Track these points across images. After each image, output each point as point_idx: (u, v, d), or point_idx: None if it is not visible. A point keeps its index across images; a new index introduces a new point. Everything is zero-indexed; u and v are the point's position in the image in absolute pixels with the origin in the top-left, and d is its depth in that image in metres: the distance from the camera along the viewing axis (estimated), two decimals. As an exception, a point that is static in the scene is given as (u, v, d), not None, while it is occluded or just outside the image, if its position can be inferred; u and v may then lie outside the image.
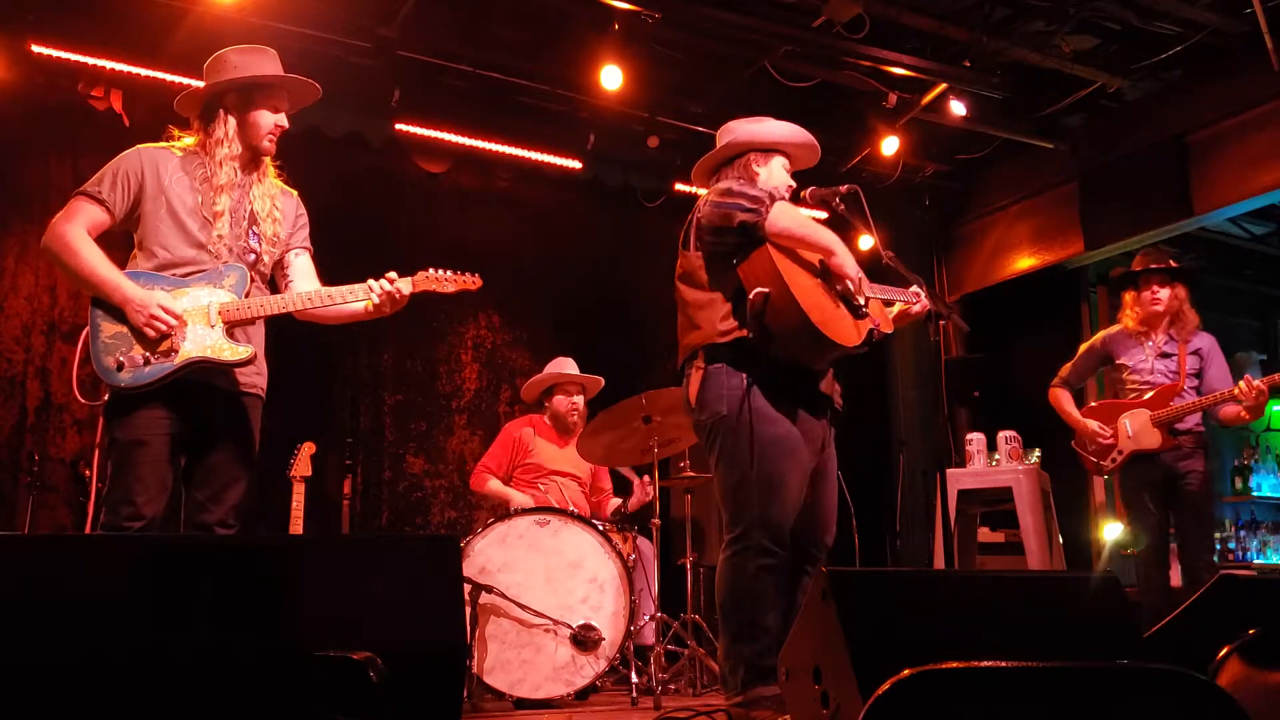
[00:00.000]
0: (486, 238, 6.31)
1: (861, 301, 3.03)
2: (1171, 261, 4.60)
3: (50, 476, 5.13)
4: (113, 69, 5.12)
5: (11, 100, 5.15)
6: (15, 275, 5.25)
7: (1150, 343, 4.59)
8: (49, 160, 5.30)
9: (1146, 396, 4.53)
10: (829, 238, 2.99)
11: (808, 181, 3.27)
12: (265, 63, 2.98)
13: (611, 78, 5.49)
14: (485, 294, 6.45)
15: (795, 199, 3.21)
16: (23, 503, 4.99)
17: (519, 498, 4.77)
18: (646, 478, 4.71)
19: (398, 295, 2.95)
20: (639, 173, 6.63)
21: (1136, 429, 4.50)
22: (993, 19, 5.69)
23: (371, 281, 2.94)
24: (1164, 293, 4.54)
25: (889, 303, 3.33)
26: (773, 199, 2.95)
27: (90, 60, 5.12)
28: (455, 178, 6.39)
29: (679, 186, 6.60)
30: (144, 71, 5.07)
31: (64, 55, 5.08)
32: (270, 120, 2.96)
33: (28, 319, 5.27)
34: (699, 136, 6.30)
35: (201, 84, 2.99)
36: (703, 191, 3.19)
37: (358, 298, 2.94)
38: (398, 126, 5.89)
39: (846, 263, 2.98)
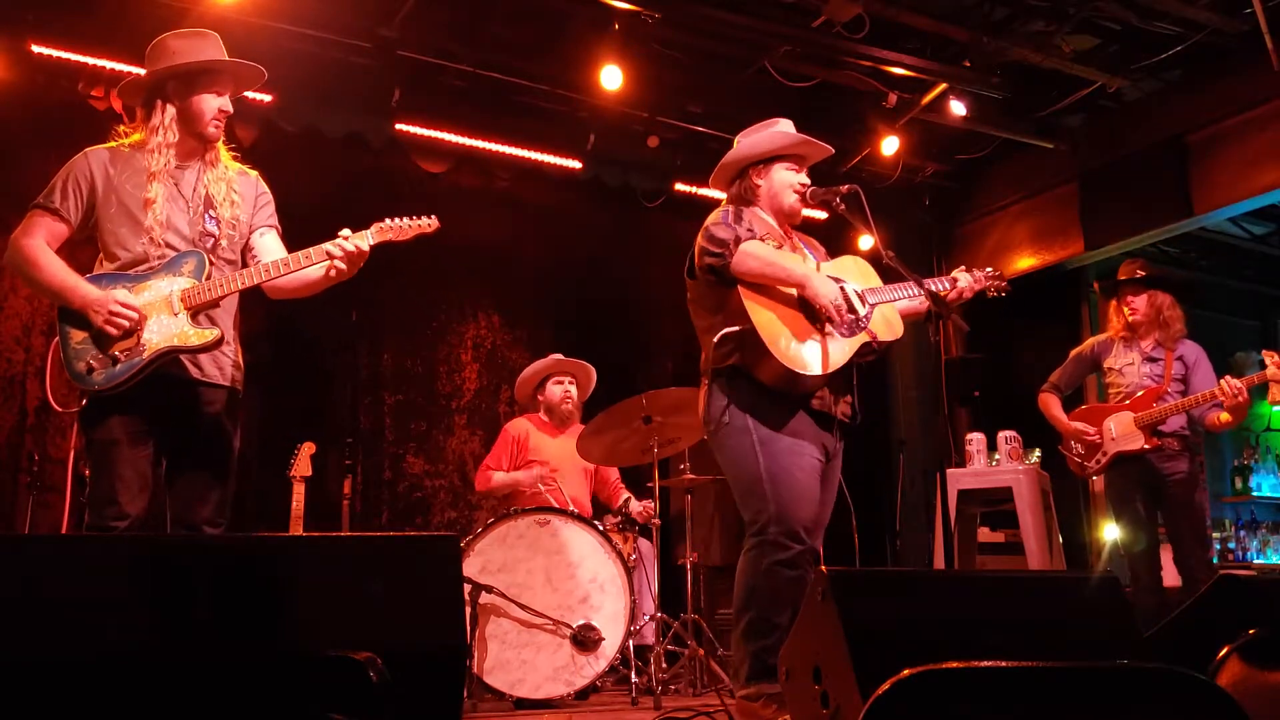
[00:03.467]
0: (486, 238, 6.31)
1: (862, 313, 3.06)
2: (1139, 271, 4.68)
3: (50, 476, 5.12)
4: (113, 69, 5.12)
5: (11, 100, 5.15)
6: (15, 276, 5.24)
7: (1138, 349, 4.66)
8: (49, 160, 5.21)
9: (1131, 400, 4.58)
10: (797, 272, 3.04)
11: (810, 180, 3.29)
12: (206, 47, 2.95)
13: (611, 78, 5.49)
14: (485, 294, 6.57)
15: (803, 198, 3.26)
16: (23, 503, 4.99)
17: (526, 476, 4.78)
18: (650, 503, 4.73)
19: (356, 251, 2.88)
20: (639, 173, 6.63)
21: (1120, 430, 4.55)
22: (993, 19, 5.69)
23: (329, 244, 2.87)
24: (1138, 301, 4.63)
25: (911, 298, 3.31)
26: (739, 241, 3.03)
27: (90, 60, 5.11)
28: (455, 178, 6.38)
29: (679, 186, 6.60)
30: (144, 71, 5.06)
31: (64, 55, 5.08)
32: (214, 105, 2.93)
33: (28, 319, 5.27)
34: (699, 136, 6.31)
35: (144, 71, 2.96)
36: (721, 195, 3.27)
37: (314, 261, 2.87)
38: (398, 126, 5.88)
39: (820, 292, 3.01)
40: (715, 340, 3.10)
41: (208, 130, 2.94)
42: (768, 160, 3.26)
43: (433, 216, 3.04)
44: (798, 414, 3.05)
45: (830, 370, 3.02)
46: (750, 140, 3.29)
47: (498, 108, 6.09)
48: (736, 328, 3.02)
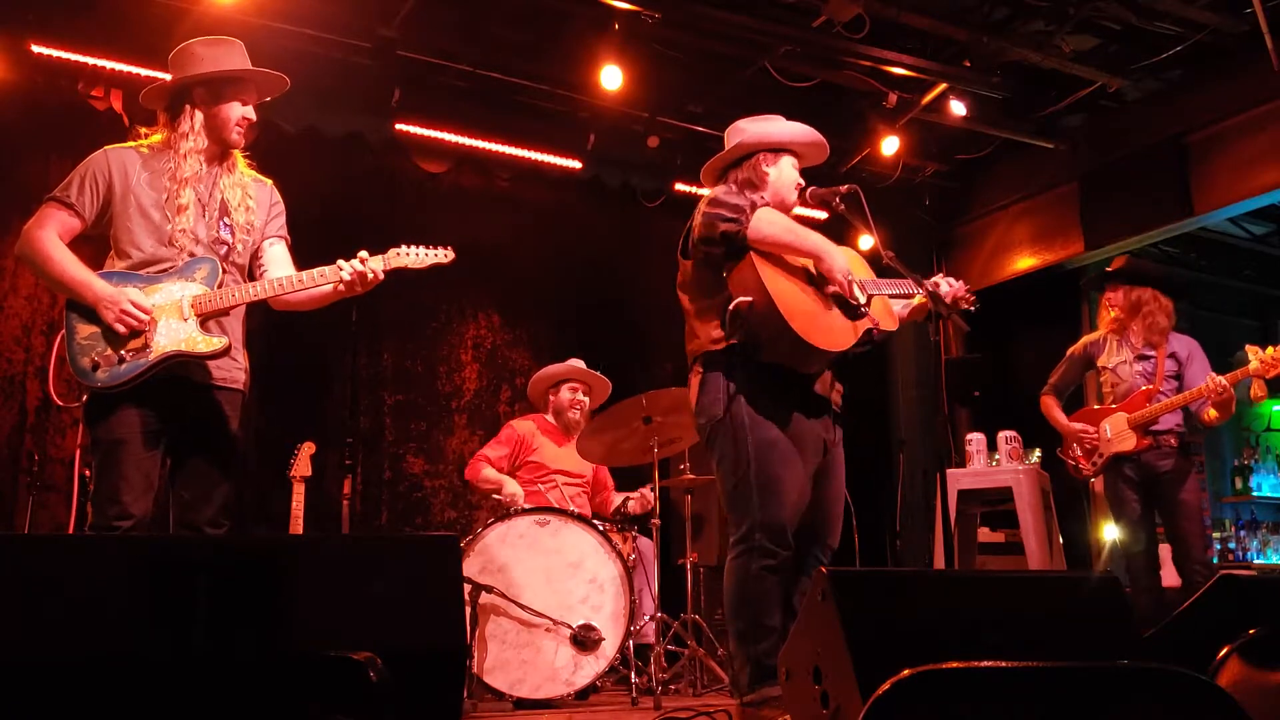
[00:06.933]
0: (486, 238, 6.30)
1: (862, 300, 3.03)
2: (1119, 260, 4.71)
3: (50, 476, 5.12)
4: (113, 69, 5.12)
5: (11, 100, 5.15)
6: (15, 275, 5.24)
7: (1129, 346, 4.65)
8: (49, 160, 5.29)
9: (1125, 400, 4.57)
10: (814, 242, 2.98)
11: (808, 181, 3.27)
12: (233, 55, 2.97)
13: (611, 78, 5.49)
14: (485, 294, 6.57)
15: (800, 197, 3.23)
16: (22, 503, 4.99)
17: (511, 484, 4.75)
18: (649, 489, 4.71)
19: (369, 275, 2.89)
20: (639, 173, 6.63)
21: (1114, 432, 4.55)
22: (993, 19, 5.69)
23: (342, 262, 2.89)
24: (1116, 297, 4.65)
25: (905, 295, 3.31)
26: (754, 206, 2.94)
27: (90, 60, 5.12)
28: (455, 178, 6.38)
29: (679, 186, 6.60)
30: (144, 71, 5.06)
31: (64, 55, 5.08)
32: (239, 113, 2.96)
33: (28, 319, 5.27)
34: (699, 136, 6.31)
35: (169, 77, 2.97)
36: (706, 193, 3.19)
37: (328, 280, 2.89)
38: (398, 126, 5.88)
39: (835, 264, 2.96)
40: (718, 317, 2.97)
41: (232, 137, 2.97)
42: (777, 150, 3.20)
43: (449, 248, 3.05)
44: (795, 407, 3.01)
45: (842, 349, 2.97)
46: (763, 127, 3.21)
47: (498, 108, 6.09)
48: (748, 299, 2.89)
